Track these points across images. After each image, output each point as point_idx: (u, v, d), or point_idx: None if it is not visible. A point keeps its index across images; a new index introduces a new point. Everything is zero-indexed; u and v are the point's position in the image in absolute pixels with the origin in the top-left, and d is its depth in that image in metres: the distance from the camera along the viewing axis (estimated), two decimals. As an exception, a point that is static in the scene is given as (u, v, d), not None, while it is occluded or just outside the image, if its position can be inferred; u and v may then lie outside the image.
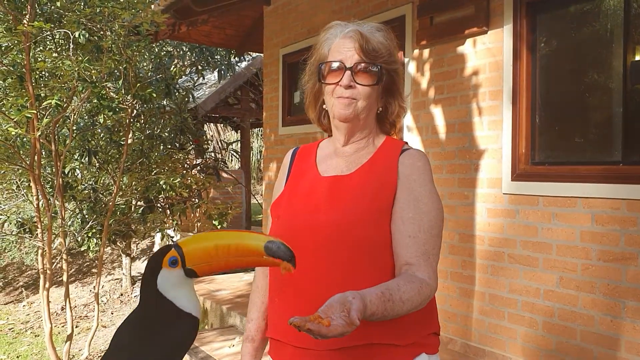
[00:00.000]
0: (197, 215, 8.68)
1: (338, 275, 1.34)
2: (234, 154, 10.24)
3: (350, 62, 1.41)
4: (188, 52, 7.31)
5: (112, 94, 5.30)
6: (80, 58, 4.61)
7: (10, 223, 7.07)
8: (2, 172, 5.75)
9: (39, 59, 4.83)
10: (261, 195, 13.43)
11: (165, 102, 7.51)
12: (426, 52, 4.12)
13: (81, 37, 4.58)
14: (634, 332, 2.98)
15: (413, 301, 1.25)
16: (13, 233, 7.34)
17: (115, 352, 1.02)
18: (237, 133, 11.87)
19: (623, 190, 3.01)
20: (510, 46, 3.56)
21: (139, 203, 7.10)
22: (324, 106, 1.52)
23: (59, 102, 4.59)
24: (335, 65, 1.43)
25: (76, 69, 4.64)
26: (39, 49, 5.02)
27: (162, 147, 7.10)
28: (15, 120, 4.47)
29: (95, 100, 5.18)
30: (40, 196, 5.22)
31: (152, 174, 6.18)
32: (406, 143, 1.52)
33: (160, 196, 6.46)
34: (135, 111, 5.92)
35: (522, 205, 3.50)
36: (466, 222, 3.84)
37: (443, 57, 4.00)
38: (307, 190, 1.49)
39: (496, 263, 3.66)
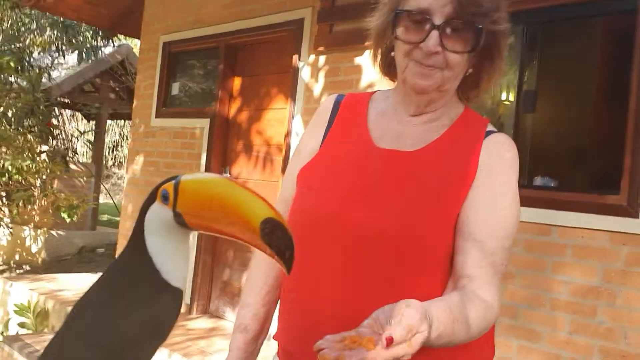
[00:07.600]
0: (37, 207, 7.82)
1: (381, 285, 1.03)
2: (88, 144, 9.42)
3: (440, 16, 1.01)
4: (49, 28, 6.63)
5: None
6: None
7: None
8: None
9: None
10: (106, 194, 12.53)
11: (13, 79, 6.72)
12: (322, 58, 4.09)
13: None
14: None
15: (478, 326, 0.95)
16: None
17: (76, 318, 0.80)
18: (89, 123, 10.99)
19: None
20: (408, 63, 3.64)
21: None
22: (392, 54, 1.12)
23: None
24: (418, 18, 1.03)
25: None
26: None
27: (5, 127, 6.32)
28: None
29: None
30: None
31: (-4, 153, 5.44)
32: (489, 122, 1.14)
33: (2, 179, 5.70)
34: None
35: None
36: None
37: (340, 66, 3.99)
38: (355, 161, 1.11)
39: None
